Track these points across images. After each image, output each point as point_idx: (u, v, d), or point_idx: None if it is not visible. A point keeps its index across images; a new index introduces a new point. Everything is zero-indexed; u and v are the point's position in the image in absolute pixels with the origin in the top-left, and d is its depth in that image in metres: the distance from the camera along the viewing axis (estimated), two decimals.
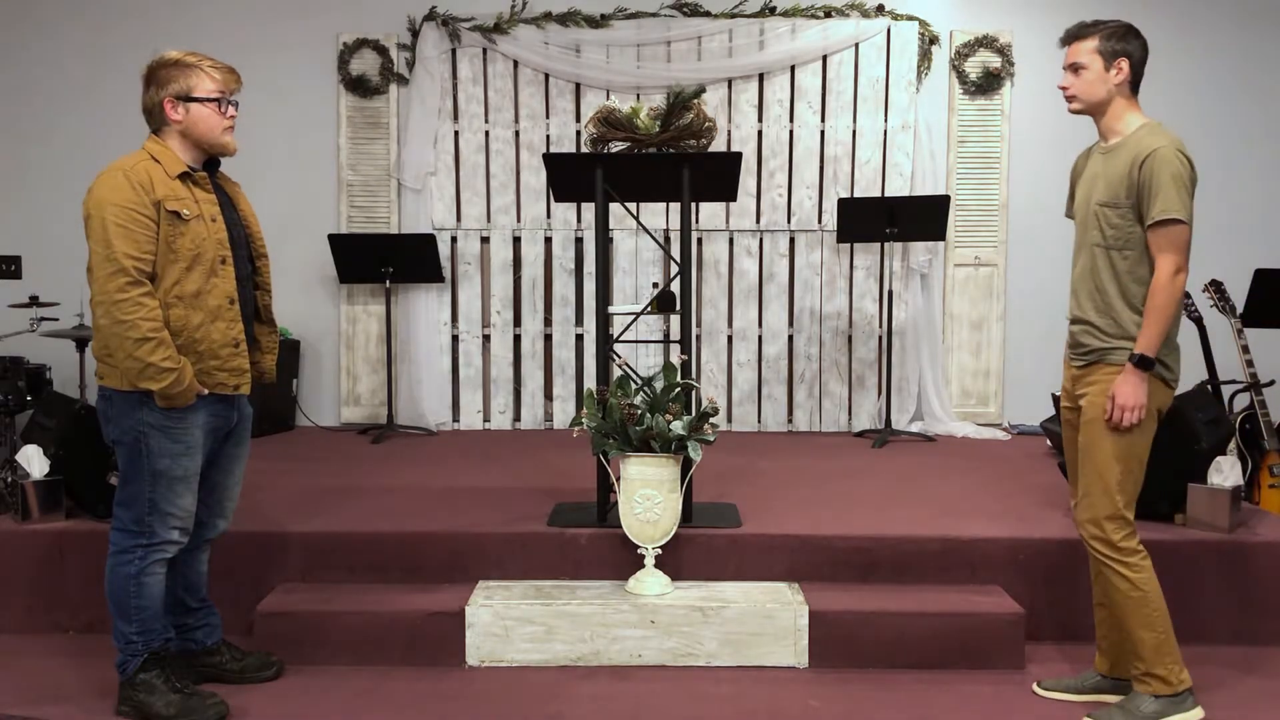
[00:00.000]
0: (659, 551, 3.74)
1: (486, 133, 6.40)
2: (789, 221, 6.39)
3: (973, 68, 6.33)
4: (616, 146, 3.95)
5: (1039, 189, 6.27)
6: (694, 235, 6.30)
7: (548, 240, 6.44)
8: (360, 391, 6.50)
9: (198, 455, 3.11)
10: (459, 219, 6.42)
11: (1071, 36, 3.10)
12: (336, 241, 6.13)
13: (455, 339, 6.49)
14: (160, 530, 3.08)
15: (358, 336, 6.50)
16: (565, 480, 4.79)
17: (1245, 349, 4.86)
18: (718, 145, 6.05)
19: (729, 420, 6.43)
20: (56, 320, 5.30)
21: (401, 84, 6.38)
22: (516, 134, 6.42)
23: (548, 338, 6.48)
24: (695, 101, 3.90)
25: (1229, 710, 3.26)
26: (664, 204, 6.23)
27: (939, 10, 6.34)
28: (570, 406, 6.41)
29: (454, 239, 6.44)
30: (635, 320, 4.34)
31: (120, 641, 3.12)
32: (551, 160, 4.00)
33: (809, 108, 6.36)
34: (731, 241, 6.42)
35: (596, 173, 3.93)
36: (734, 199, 4.30)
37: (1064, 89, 3.11)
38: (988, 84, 6.32)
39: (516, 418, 6.49)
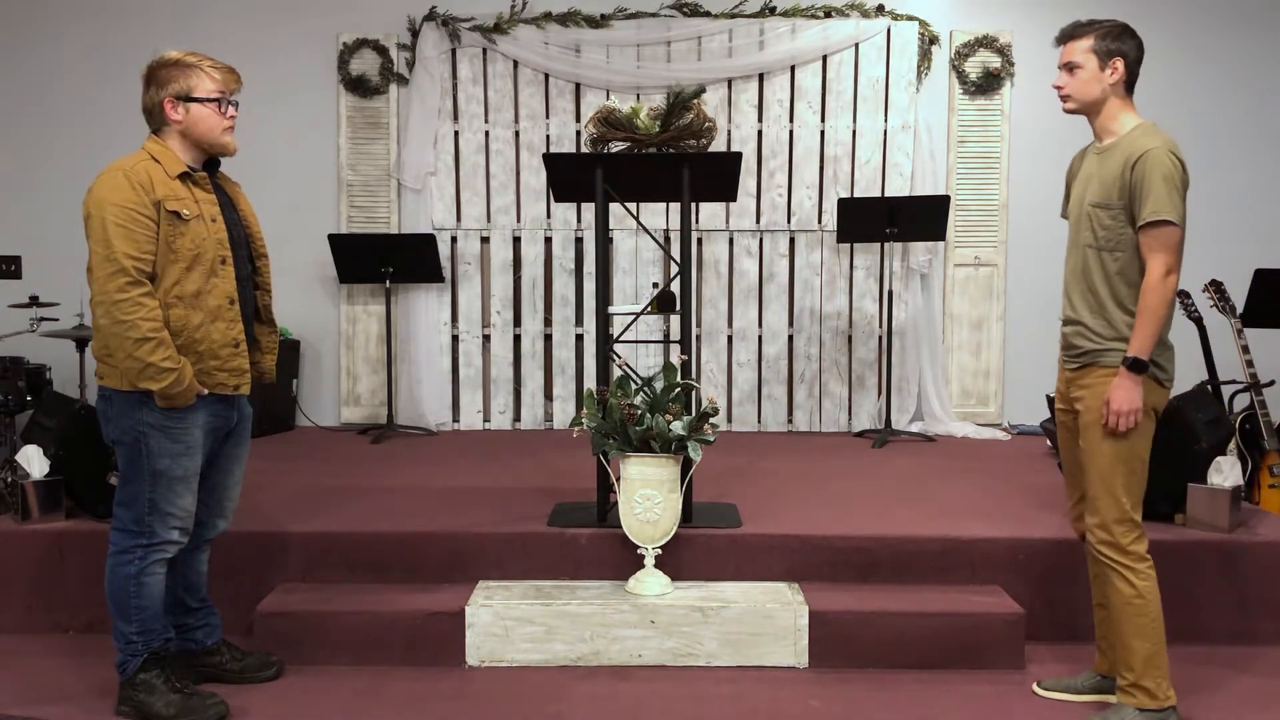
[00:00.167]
0: (659, 551, 3.74)
1: (486, 133, 6.40)
2: (789, 221, 6.39)
3: (973, 68, 6.33)
4: (616, 146, 3.95)
5: (1039, 189, 6.27)
6: (694, 235, 6.30)
7: (548, 240, 6.44)
8: (360, 391, 6.51)
9: (198, 455, 3.11)
10: (459, 219, 6.42)
11: (1066, 36, 3.10)
12: (336, 241, 6.13)
13: (455, 339, 6.49)
14: (160, 530, 3.08)
15: (358, 336, 6.50)
16: (565, 480, 4.79)
17: (1245, 349, 4.86)
18: (718, 145, 6.06)
19: (729, 420, 6.43)
20: (56, 320, 5.30)
21: (401, 84, 6.38)
22: (516, 134, 6.42)
23: (548, 338, 6.48)
24: (695, 101, 3.90)
25: (1228, 710, 3.26)
26: (664, 204, 6.23)
27: (939, 10, 6.35)
28: (570, 406, 6.41)
29: (454, 239, 6.44)
30: (635, 320, 4.34)
31: (120, 641, 3.12)
32: (551, 160, 4.00)
33: (809, 108, 6.36)
34: (731, 241, 6.42)
35: (596, 173, 3.93)
36: (734, 199, 4.29)
37: (1059, 88, 3.10)
38: (988, 84, 6.32)
39: (516, 418, 6.49)
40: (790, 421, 6.45)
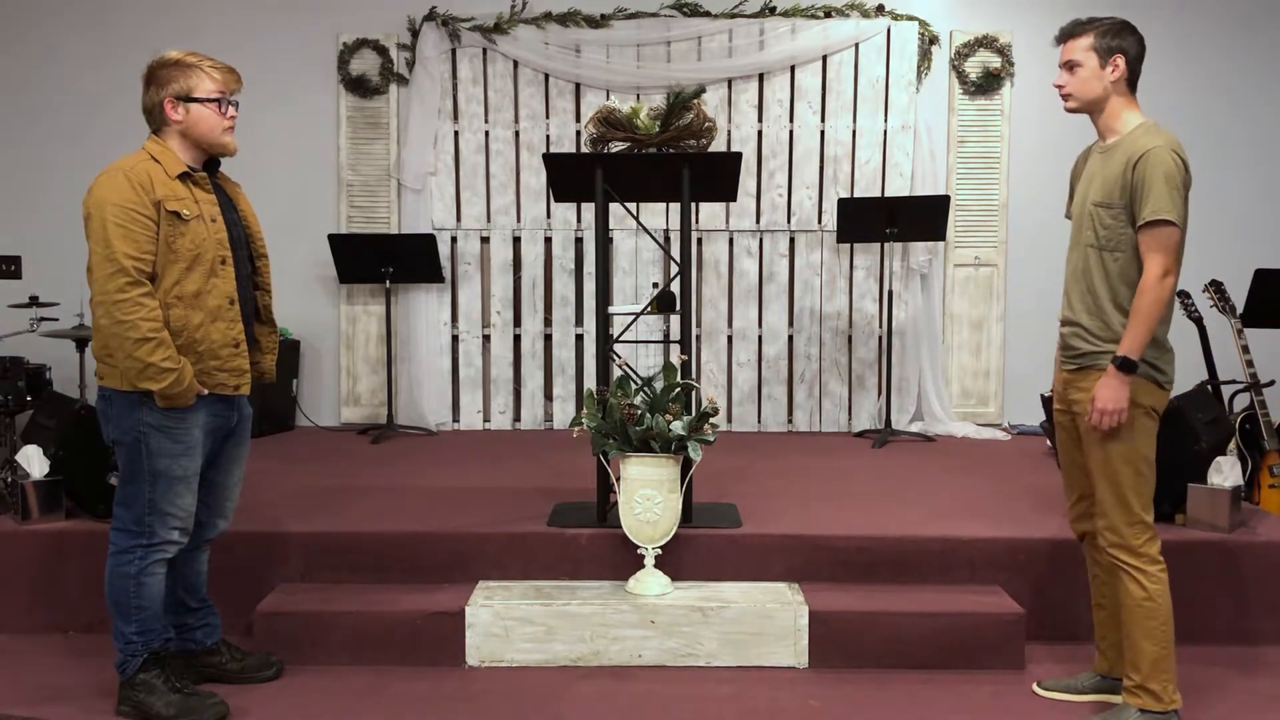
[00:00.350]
0: (659, 551, 3.74)
1: (486, 133, 6.40)
2: (789, 221, 6.39)
3: (973, 68, 6.33)
4: (616, 146, 3.95)
5: (1039, 189, 6.28)
6: (694, 235, 6.30)
7: (548, 240, 6.44)
8: (360, 391, 6.50)
9: (197, 455, 3.11)
10: (459, 219, 6.42)
11: (1066, 34, 3.07)
12: (336, 241, 6.13)
13: (455, 339, 6.49)
14: (160, 530, 3.08)
15: (358, 336, 6.50)
16: (565, 480, 4.79)
17: (1245, 349, 4.86)
18: (718, 145, 6.06)
19: (729, 420, 6.43)
20: (56, 320, 5.30)
21: (401, 84, 6.38)
22: (516, 134, 6.42)
23: (548, 338, 6.48)
24: (695, 101, 3.90)
25: (1228, 710, 3.26)
26: (664, 204, 6.23)
27: (939, 10, 6.35)
28: (570, 406, 6.41)
29: (454, 239, 6.44)
30: (635, 320, 4.34)
31: (120, 641, 3.12)
32: (551, 160, 4.00)
33: (809, 108, 6.36)
34: (731, 241, 6.42)
35: (596, 173, 3.93)
36: (734, 199, 4.29)
37: (1059, 87, 3.08)
38: (988, 84, 6.32)
39: (516, 418, 6.49)
40: (790, 421, 6.45)
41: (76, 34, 6.38)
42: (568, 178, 4.06)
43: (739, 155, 4.04)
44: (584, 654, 3.57)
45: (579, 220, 6.41)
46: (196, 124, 3.08)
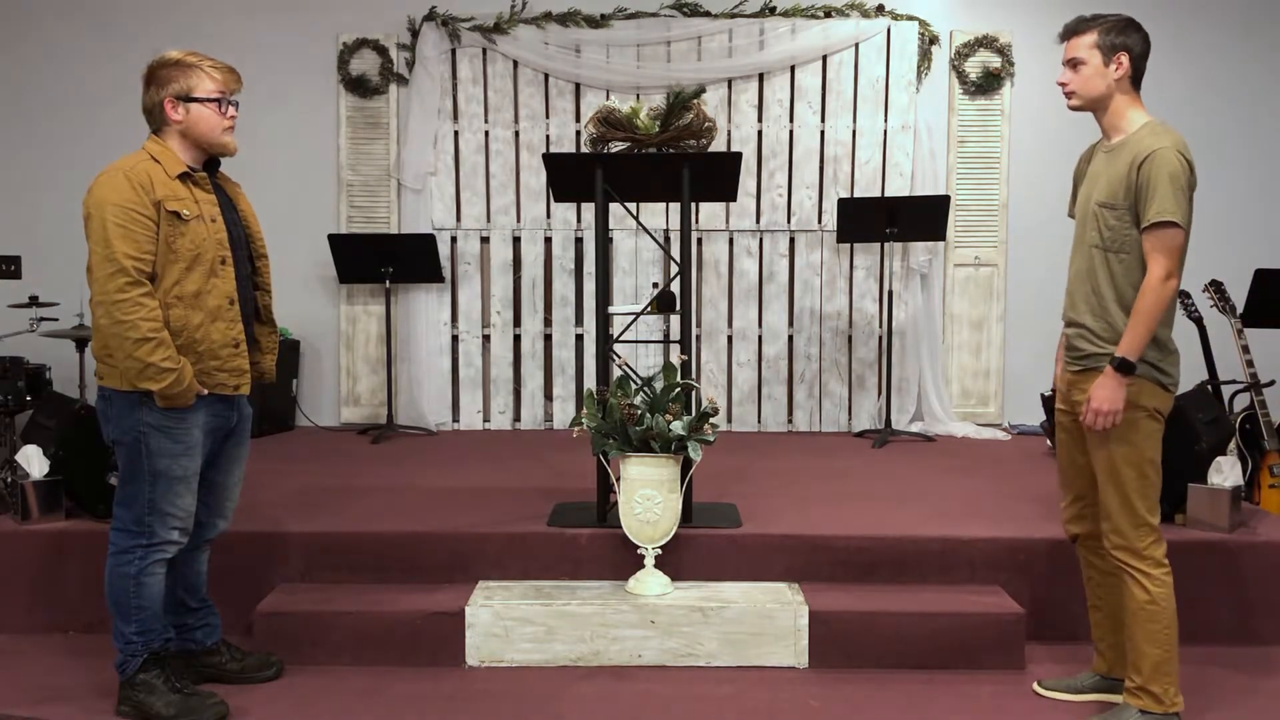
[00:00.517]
0: (659, 551, 3.74)
1: (486, 133, 6.40)
2: (789, 221, 6.39)
3: (973, 68, 6.33)
4: (616, 146, 3.95)
5: (1039, 189, 6.28)
6: (694, 235, 6.30)
7: (548, 240, 6.44)
8: (360, 391, 6.50)
9: (197, 455, 3.11)
10: (459, 219, 6.42)
11: (1070, 31, 3.04)
12: (336, 241, 6.13)
13: (455, 339, 6.49)
14: (160, 530, 3.08)
15: (357, 336, 6.50)
16: (565, 480, 4.79)
17: (1245, 349, 4.86)
18: (718, 145, 6.06)
19: (729, 420, 6.43)
20: (56, 320, 5.30)
21: (401, 84, 6.38)
22: (516, 134, 6.42)
23: (548, 338, 6.48)
24: (695, 101, 3.90)
25: (1229, 710, 3.26)
26: (664, 204, 6.23)
27: (939, 10, 6.35)
28: (570, 406, 6.41)
29: (454, 239, 6.44)
30: (635, 320, 4.34)
31: (120, 641, 3.12)
32: (551, 160, 4.00)
33: (809, 108, 6.36)
34: (731, 241, 6.42)
35: (596, 173, 3.93)
36: (734, 199, 4.29)
37: (1063, 85, 3.05)
38: (988, 84, 6.32)
39: (516, 418, 6.49)
40: (790, 421, 6.45)
41: (77, 34, 6.38)
42: (568, 178, 4.06)
43: (739, 155, 4.04)
44: (584, 654, 3.57)
45: (579, 220, 6.41)
46: (196, 124, 3.08)
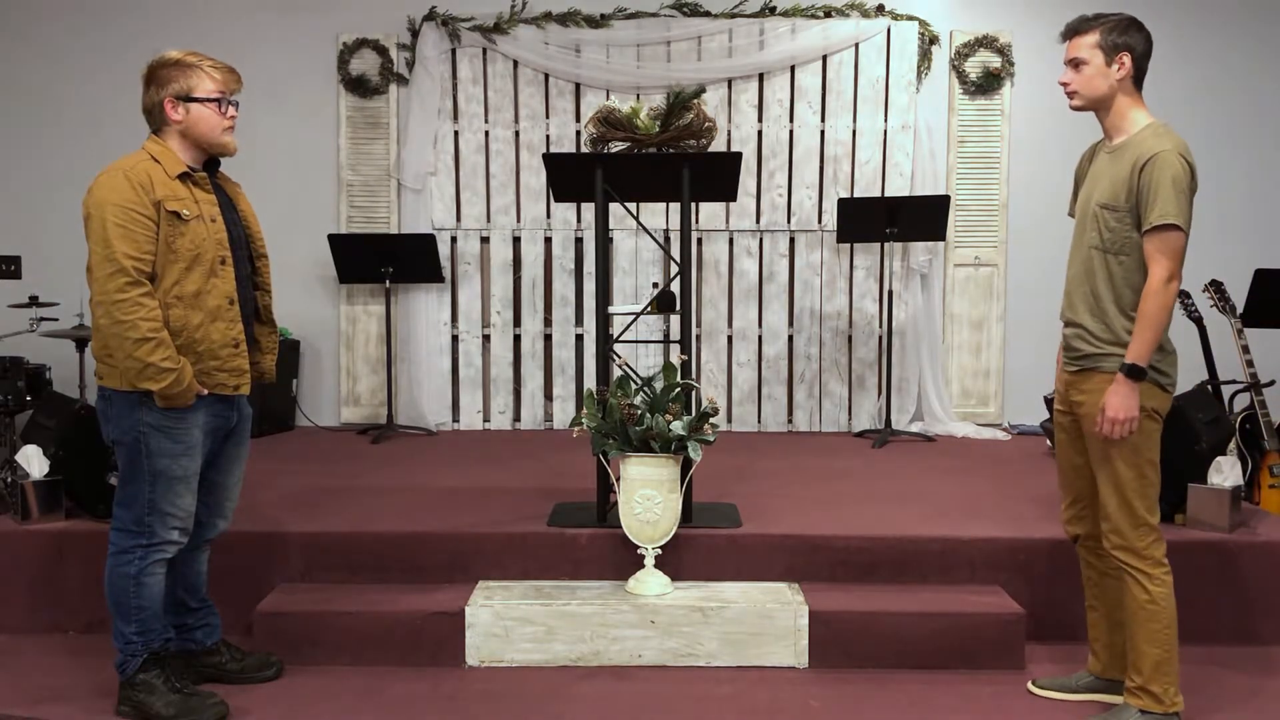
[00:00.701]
0: (659, 551, 3.74)
1: (486, 133, 6.40)
2: (789, 221, 6.39)
3: (973, 68, 6.33)
4: (616, 146, 3.95)
5: (1039, 189, 6.28)
6: (694, 235, 6.30)
7: (548, 240, 6.44)
8: (360, 391, 6.50)
9: (197, 455, 3.11)
10: (459, 219, 6.42)
11: (1072, 31, 3.03)
12: (336, 241, 6.13)
13: (455, 339, 6.49)
14: (160, 530, 3.08)
15: (357, 336, 6.50)
16: (565, 480, 4.79)
17: (1245, 349, 4.86)
18: (718, 145, 6.05)
19: (729, 420, 6.43)
20: (56, 320, 5.30)
21: (401, 84, 6.38)
22: (516, 134, 6.42)
23: (548, 338, 6.48)
24: (695, 101, 3.90)
25: (1229, 710, 3.26)
26: (664, 204, 6.23)
27: (939, 10, 6.34)
28: (570, 406, 6.41)
29: (454, 239, 6.44)
30: (635, 320, 4.34)
31: (120, 641, 3.12)
32: (551, 160, 4.00)
33: (809, 108, 6.36)
34: (731, 241, 6.42)
35: (596, 173, 3.93)
36: (734, 199, 4.29)
37: (1064, 84, 3.03)
38: (988, 84, 6.32)
39: (516, 418, 6.49)
40: (790, 421, 6.45)
41: (77, 34, 6.38)
42: (568, 178, 4.06)
43: (739, 155, 4.04)
44: (584, 654, 3.57)
45: (579, 220, 6.41)
46: (196, 124, 3.08)
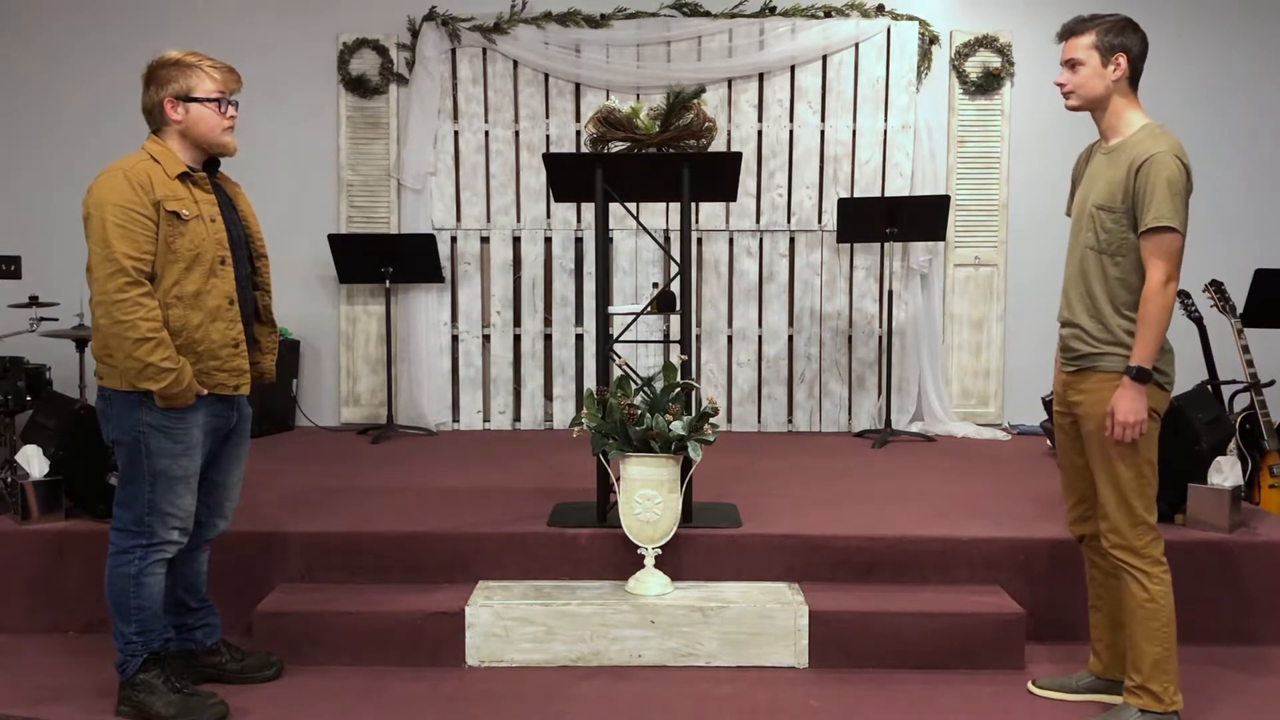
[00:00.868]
0: (659, 551, 3.74)
1: (486, 133, 6.40)
2: (789, 221, 6.39)
3: (973, 68, 6.33)
4: (616, 146, 3.95)
5: (1039, 189, 6.27)
6: (694, 235, 6.30)
7: (548, 240, 6.44)
8: (360, 391, 6.50)
9: (197, 455, 3.11)
10: (459, 219, 6.42)
11: (1068, 32, 3.04)
12: (336, 241, 6.13)
13: (455, 339, 6.49)
14: (160, 530, 3.08)
15: (357, 336, 6.50)
16: (565, 480, 4.79)
17: (1245, 349, 4.86)
18: (718, 145, 6.06)
19: (729, 420, 6.43)
20: (56, 320, 5.30)
21: (401, 84, 6.38)
22: (516, 134, 6.42)
23: (548, 338, 6.48)
24: (695, 101, 3.90)
25: (1229, 710, 3.26)
26: (664, 204, 6.23)
27: (939, 10, 6.34)
28: (570, 406, 6.41)
29: (454, 239, 6.44)
30: (635, 320, 4.34)
31: (120, 641, 3.12)
32: (551, 160, 4.00)
33: (809, 108, 6.36)
34: (731, 241, 6.42)
35: (596, 173, 3.93)
36: (734, 199, 4.29)
37: (1060, 85, 3.05)
38: (988, 84, 6.32)
39: (516, 418, 6.49)
40: (790, 421, 6.45)
41: (77, 34, 6.38)
42: (568, 178, 4.06)
43: (739, 155, 4.04)
44: (584, 654, 3.57)
45: (579, 220, 6.41)
46: (196, 124, 3.08)
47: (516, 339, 6.48)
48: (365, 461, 5.35)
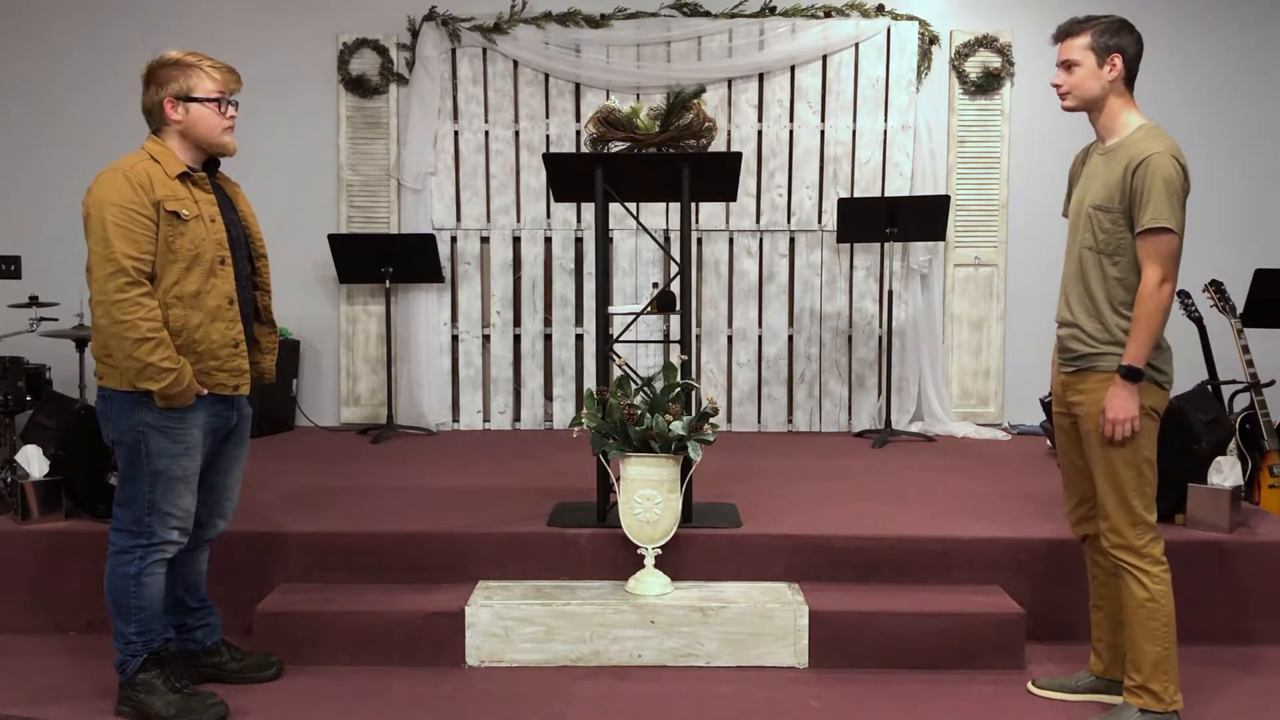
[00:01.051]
0: (659, 551, 3.74)
1: (486, 133, 6.40)
2: (789, 221, 6.39)
3: (973, 68, 6.33)
4: (616, 146, 3.95)
5: (1039, 189, 6.27)
6: (694, 235, 6.30)
7: (548, 240, 6.44)
8: (360, 391, 6.51)
9: (197, 455, 3.11)
10: (459, 219, 6.43)
11: (1064, 33, 3.04)
12: (336, 241, 6.13)
13: (455, 339, 6.49)
14: (160, 530, 3.08)
15: (357, 336, 6.50)
16: (565, 480, 4.79)
17: (1245, 349, 4.86)
18: (718, 145, 6.06)
19: (729, 420, 6.43)
20: (56, 320, 5.30)
21: (401, 84, 6.38)
22: (516, 134, 6.42)
23: (548, 338, 6.48)
24: (695, 101, 3.90)
25: (1229, 710, 3.26)
26: (664, 204, 6.23)
27: (939, 10, 6.35)
28: (570, 406, 6.41)
29: (454, 239, 6.44)
30: (635, 320, 4.34)
31: (120, 641, 3.12)
32: (551, 160, 4.00)
33: (809, 108, 6.36)
34: (731, 241, 6.42)
35: (596, 173, 3.93)
36: (734, 199, 4.29)
37: (1057, 86, 3.06)
38: (988, 84, 6.32)
39: (516, 418, 6.49)
40: (790, 421, 6.45)
41: (77, 34, 6.38)
42: (568, 178, 4.06)
43: (739, 155, 4.04)
44: (584, 654, 3.57)
45: (579, 220, 6.41)
46: (196, 124, 3.08)
47: (516, 339, 6.48)
48: (365, 461, 5.35)
